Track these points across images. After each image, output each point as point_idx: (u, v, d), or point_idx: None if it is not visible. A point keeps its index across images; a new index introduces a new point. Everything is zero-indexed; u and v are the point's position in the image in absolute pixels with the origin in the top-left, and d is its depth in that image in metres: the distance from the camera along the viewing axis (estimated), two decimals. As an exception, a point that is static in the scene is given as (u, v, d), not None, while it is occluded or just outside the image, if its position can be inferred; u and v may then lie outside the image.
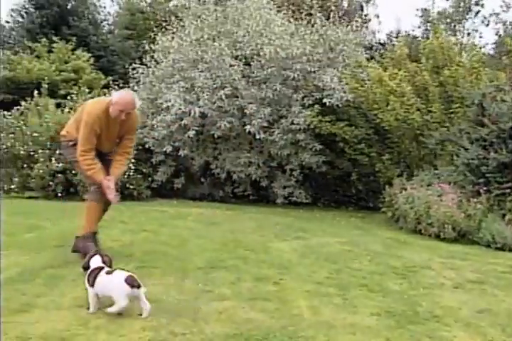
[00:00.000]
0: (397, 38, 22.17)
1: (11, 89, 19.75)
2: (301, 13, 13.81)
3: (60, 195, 10.80)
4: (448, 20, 28.19)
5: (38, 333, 3.15)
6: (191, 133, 10.96)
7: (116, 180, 5.34)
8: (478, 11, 29.38)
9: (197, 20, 12.97)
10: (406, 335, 3.51)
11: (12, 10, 27.59)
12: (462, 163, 8.91)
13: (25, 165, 11.07)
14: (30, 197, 11.18)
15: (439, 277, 5.25)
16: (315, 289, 4.44)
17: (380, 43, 19.18)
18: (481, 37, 26.82)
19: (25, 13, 27.09)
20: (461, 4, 29.24)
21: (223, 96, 11.00)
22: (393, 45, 16.57)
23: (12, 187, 11.24)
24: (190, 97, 11.28)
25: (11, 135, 11.15)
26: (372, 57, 12.61)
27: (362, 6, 24.54)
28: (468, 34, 28.69)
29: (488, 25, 29.37)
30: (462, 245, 7.60)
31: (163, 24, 14.12)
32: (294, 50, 11.48)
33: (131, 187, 11.32)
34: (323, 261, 5.61)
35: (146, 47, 13.70)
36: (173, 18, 14.03)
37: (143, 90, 12.85)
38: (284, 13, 13.62)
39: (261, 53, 11.68)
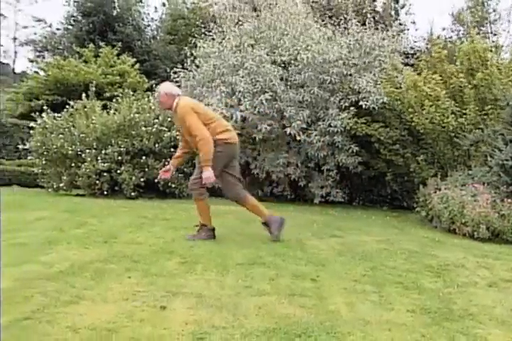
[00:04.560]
0: (431, 35, 21.88)
1: (60, 90, 20.10)
2: (338, 18, 13.76)
3: (105, 193, 10.96)
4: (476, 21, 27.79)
5: (87, 324, 3.20)
6: (233, 136, 10.98)
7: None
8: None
9: (235, 27, 13.01)
10: (441, 332, 3.46)
11: (63, 17, 28.23)
12: (496, 163, 8.76)
13: (73, 165, 11.23)
14: (77, 195, 11.35)
15: (473, 276, 5.16)
16: (351, 286, 4.41)
17: (417, 50, 18.93)
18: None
19: (74, 20, 27.58)
20: (479, 8, 28.88)
21: (264, 101, 10.98)
22: (427, 48, 16.37)
23: (61, 185, 11.43)
24: (231, 101, 11.30)
25: (60, 135, 11.31)
26: (407, 64, 12.45)
27: (397, 11, 24.22)
28: (495, 34, 28.26)
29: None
30: (496, 244, 7.48)
31: (203, 30, 14.19)
32: (330, 55, 11.43)
33: (173, 185, 11.40)
34: (359, 259, 5.56)
35: (188, 53, 13.75)
36: (212, 24, 14.10)
37: (184, 93, 12.88)
38: (319, 18, 13.56)
39: (298, 58, 11.65)
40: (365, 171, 11.88)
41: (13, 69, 45.31)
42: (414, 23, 25.17)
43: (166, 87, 6.20)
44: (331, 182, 11.59)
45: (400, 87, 10.96)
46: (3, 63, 44.29)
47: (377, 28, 12.77)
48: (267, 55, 11.67)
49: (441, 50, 11.10)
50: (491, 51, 10.83)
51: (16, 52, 45.87)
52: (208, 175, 5.88)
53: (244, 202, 6.36)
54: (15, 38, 45.19)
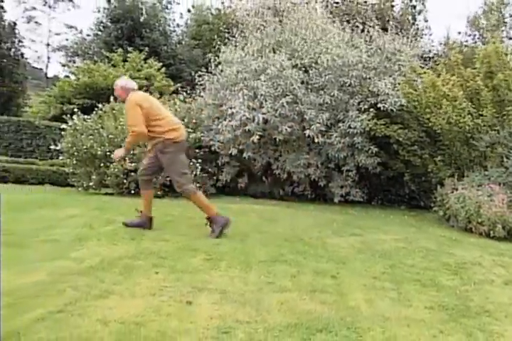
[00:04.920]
0: (448, 39, 21.74)
1: (90, 94, 20.29)
2: (354, 20, 13.71)
3: (132, 191, 11.00)
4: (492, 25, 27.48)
5: (116, 317, 3.24)
6: (255, 138, 10.98)
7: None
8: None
9: (257, 32, 13.01)
10: (458, 328, 3.46)
11: (93, 24, 28.64)
12: (512, 164, 8.71)
13: (102, 164, 11.29)
14: (106, 194, 11.43)
15: (489, 274, 5.14)
16: (371, 283, 4.40)
17: (435, 54, 18.74)
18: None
19: (103, 27, 27.86)
20: (495, 13, 28.53)
21: (285, 104, 10.97)
22: (443, 52, 16.26)
23: (90, 184, 11.50)
24: (253, 104, 11.30)
25: (90, 136, 11.39)
26: (423, 67, 12.35)
27: (414, 17, 24.07)
28: (511, 39, 27.86)
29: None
30: (512, 243, 7.43)
31: (227, 35, 14.20)
32: (350, 58, 11.40)
33: (198, 185, 11.40)
34: (378, 256, 5.55)
35: (212, 58, 13.73)
36: (235, 29, 14.10)
37: (208, 96, 12.94)
38: (339, 23, 13.51)
39: (319, 61, 11.62)
40: (383, 171, 11.81)
41: (46, 73, 45.88)
42: (429, 28, 25.01)
43: (122, 82, 6.40)
44: (351, 182, 11.54)
45: (419, 89, 10.88)
46: (37, 68, 44.82)
47: (397, 34, 12.69)
48: (288, 59, 11.65)
49: (458, 54, 11.02)
50: (506, 54, 10.71)
51: (48, 58, 46.62)
52: (121, 154, 6.31)
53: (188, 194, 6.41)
54: (48, 44, 45.79)
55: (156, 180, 10.54)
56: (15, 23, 31.72)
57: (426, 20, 24.65)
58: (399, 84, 11.29)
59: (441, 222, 9.37)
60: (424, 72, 10.99)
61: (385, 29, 13.07)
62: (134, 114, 6.06)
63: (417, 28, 20.90)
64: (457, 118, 10.05)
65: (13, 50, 30.55)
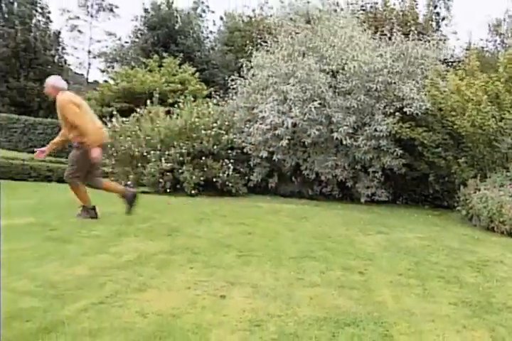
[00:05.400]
0: (468, 50, 21.48)
1: (128, 98, 20.48)
2: (383, 27, 13.59)
3: (168, 190, 11.08)
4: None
5: (154, 310, 3.27)
6: (284, 142, 11.01)
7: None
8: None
9: (288, 37, 12.98)
10: (481, 324, 3.42)
11: (131, 31, 28.99)
12: (533, 166, 8.58)
13: (139, 164, 11.40)
14: (143, 192, 11.51)
15: (511, 271, 5.07)
16: (397, 279, 4.38)
17: (457, 59, 18.47)
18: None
19: (141, 34, 28.14)
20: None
21: (313, 109, 10.95)
22: (466, 57, 16.06)
23: (128, 183, 11.61)
24: (282, 108, 11.31)
25: (128, 138, 11.49)
26: (448, 71, 12.19)
27: (438, 23, 23.82)
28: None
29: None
30: (533, 242, 7.30)
31: (259, 40, 14.20)
32: (375, 64, 11.32)
33: (230, 184, 11.45)
34: (403, 254, 5.52)
35: (244, 63, 13.74)
36: (266, 35, 14.08)
37: (240, 99, 12.97)
38: (366, 28, 13.41)
39: (346, 68, 11.56)
40: (408, 172, 11.72)
41: (87, 79, 46.38)
42: (456, 33, 24.74)
43: (52, 81, 6.51)
44: (376, 182, 11.49)
45: (444, 92, 10.77)
46: (78, 74, 45.35)
47: (420, 39, 12.55)
48: (316, 63, 11.62)
49: (476, 60, 10.89)
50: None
51: (89, 64, 47.00)
52: (97, 153, 6.32)
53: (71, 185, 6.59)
54: (89, 51, 46.36)
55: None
56: (59, 32, 32.20)
57: (450, 25, 24.48)
58: (423, 87, 11.19)
59: (464, 221, 9.26)
60: (449, 76, 10.88)
61: (408, 34, 12.93)
62: (78, 115, 6.29)
63: (441, 34, 20.68)
64: (482, 121, 9.93)
65: (56, 57, 31.03)
